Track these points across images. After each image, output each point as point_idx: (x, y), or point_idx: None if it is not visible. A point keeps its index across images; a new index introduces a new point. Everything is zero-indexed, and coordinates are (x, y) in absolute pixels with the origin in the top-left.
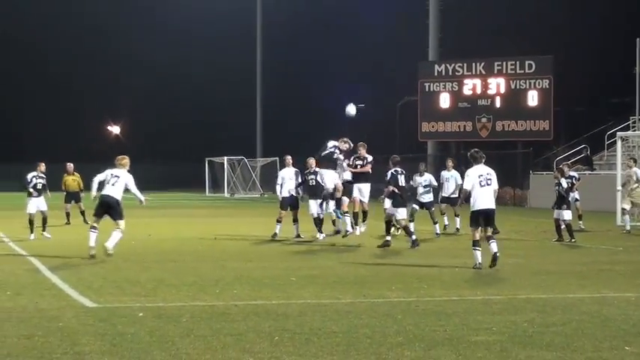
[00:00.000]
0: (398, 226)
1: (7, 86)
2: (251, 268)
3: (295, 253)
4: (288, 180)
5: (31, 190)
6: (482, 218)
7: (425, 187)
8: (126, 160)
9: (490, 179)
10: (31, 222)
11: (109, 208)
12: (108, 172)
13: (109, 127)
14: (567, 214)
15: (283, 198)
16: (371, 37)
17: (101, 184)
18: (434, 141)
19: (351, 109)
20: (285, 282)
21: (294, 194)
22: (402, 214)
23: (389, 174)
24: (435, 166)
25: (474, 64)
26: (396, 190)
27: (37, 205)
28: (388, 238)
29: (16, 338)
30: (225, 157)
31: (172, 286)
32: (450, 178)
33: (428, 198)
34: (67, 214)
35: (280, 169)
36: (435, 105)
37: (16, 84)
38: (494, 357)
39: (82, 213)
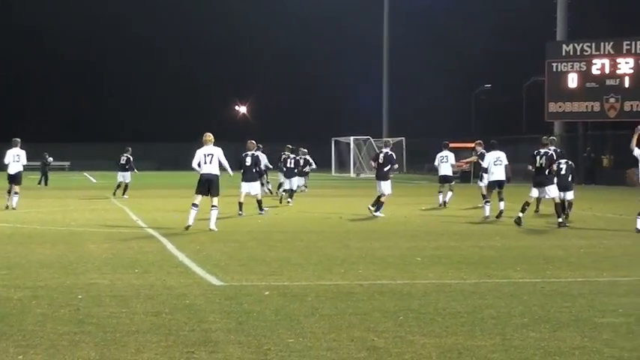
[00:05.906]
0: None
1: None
2: (376, 247)
3: (420, 234)
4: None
5: None
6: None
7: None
8: (211, 137)
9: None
10: None
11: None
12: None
13: (236, 107)
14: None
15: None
16: (496, 18)
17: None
18: (561, 121)
19: None
20: (410, 262)
21: None
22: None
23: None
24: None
25: (602, 43)
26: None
27: None
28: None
29: (144, 315)
30: (352, 137)
31: (298, 265)
32: (445, 157)
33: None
34: None
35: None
36: (563, 85)
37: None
38: (621, 339)
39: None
